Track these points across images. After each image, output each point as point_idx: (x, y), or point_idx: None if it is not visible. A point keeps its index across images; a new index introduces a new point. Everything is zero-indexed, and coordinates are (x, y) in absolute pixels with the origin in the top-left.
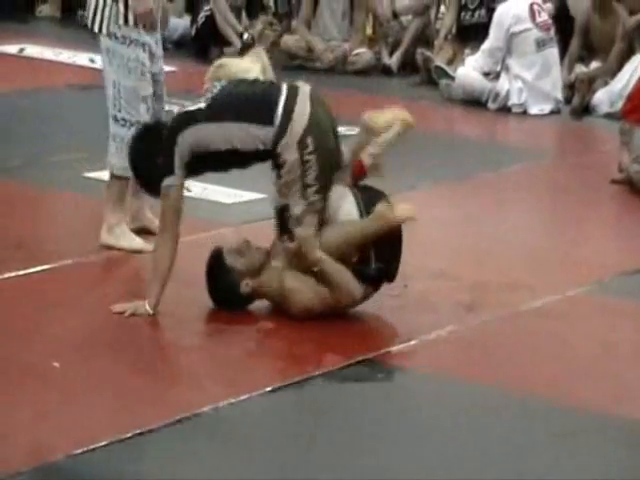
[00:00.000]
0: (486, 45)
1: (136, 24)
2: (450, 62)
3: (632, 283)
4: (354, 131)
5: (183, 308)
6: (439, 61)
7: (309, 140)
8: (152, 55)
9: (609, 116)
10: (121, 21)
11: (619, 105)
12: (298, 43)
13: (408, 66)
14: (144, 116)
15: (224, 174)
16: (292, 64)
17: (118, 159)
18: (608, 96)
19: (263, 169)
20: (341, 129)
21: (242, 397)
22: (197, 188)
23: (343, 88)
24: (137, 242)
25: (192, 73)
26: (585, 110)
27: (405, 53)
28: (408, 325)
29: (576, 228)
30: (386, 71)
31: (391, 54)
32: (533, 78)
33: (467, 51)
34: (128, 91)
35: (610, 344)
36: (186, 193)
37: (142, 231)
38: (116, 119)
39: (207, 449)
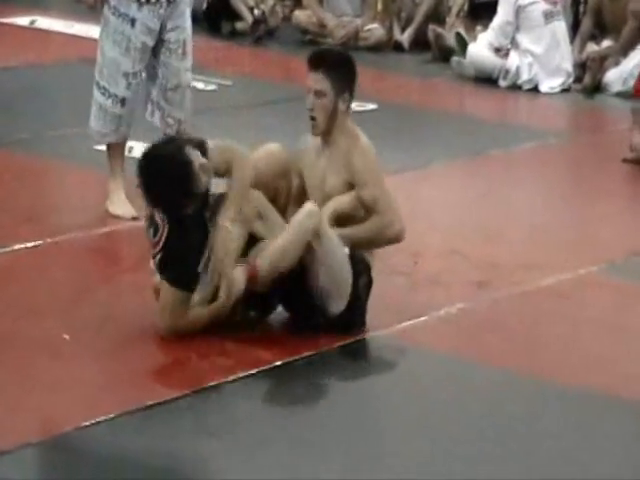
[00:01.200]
0: (496, 21)
1: None
2: None
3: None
4: (365, 107)
5: None
6: (451, 38)
7: None
8: (150, 30)
9: (621, 95)
10: None
11: (631, 84)
12: (309, 19)
13: (420, 43)
14: (123, 91)
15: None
16: (303, 39)
17: (96, 124)
18: (620, 75)
19: (273, 143)
20: (352, 105)
21: (250, 371)
22: None
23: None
24: (129, 210)
25: (203, 48)
26: (597, 89)
27: (417, 30)
28: (417, 302)
29: (587, 207)
30: (398, 47)
31: (403, 30)
32: (542, 51)
33: (479, 28)
34: (111, 62)
35: (620, 326)
36: None
37: None
38: (98, 85)
39: (216, 424)
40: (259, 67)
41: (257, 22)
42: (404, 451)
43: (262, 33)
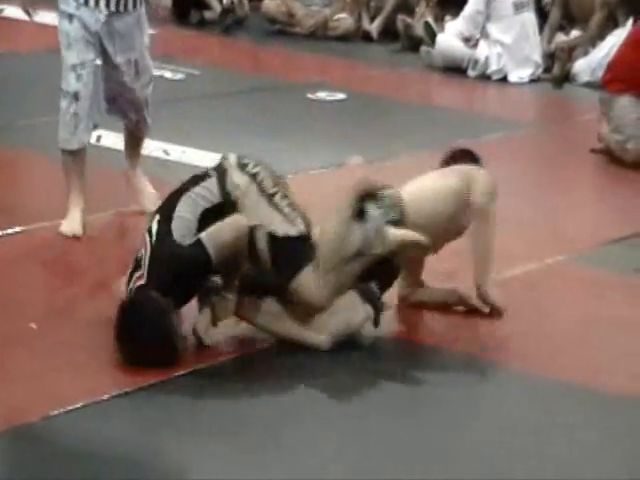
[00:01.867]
0: (466, 10)
1: None
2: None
3: (610, 253)
4: (334, 96)
5: None
6: (420, 28)
7: None
8: (87, 28)
9: (589, 85)
10: None
11: (599, 74)
12: (278, 8)
13: (389, 33)
14: (74, 85)
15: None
16: (272, 29)
17: (59, 131)
18: (588, 65)
19: (242, 133)
20: (321, 94)
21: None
22: (175, 151)
23: (323, 54)
24: (76, 228)
25: (171, 37)
26: (565, 79)
27: (386, 19)
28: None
29: (555, 197)
30: (366, 37)
31: (372, 20)
32: (512, 42)
33: (448, 18)
34: (62, 61)
35: (587, 314)
36: (164, 156)
37: None
38: (61, 89)
39: (182, 414)
40: (228, 57)
41: (226, 11)
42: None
43: (231, 22)
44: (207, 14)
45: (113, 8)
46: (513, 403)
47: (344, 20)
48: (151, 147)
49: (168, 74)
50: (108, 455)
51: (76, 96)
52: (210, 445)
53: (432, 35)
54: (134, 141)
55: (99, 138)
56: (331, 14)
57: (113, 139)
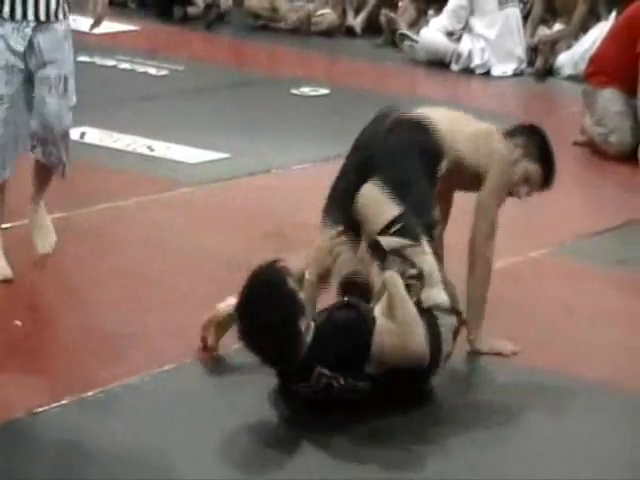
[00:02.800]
0: (450, 5)
1: None
2: (414, 23)
3: (593, 245)
4: (317, 91)
5: (152, 266)
6: (403, 22)
7: None
8: (14, 51)
9: (572, 78)
10: None
11: (582, 67)
12: (261, 3)
13: (372, 27)
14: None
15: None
16: (255, 24)
17: None
18: (571, 58)
19: (226, 128)
20: (305, 89)
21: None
22: (160, 147)
23: (306, 49)
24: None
25: (154, 33)
26: (548, 72)
27: (369, 14)
28: None
29: None
30: (350, 32)
31: (355, 15)
32: (495, 37)
33: (431, 12)
34: None
35: (570, 306)
36: (149, 152)
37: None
38: None
39: (169, 410)
40: (211, 52)
41: (209, 7)
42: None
43: (214, 18)
44: (190, 10)
45: (43, 17)
46: (497, 391)
47: (327, 15)
48: (136, 144)
49: (152, 70)
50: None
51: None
52: (197, 436)
53: (410, 41)
54: (43, 174)
55: (83, 135)
56: (314, 9)
57: (98, 135)
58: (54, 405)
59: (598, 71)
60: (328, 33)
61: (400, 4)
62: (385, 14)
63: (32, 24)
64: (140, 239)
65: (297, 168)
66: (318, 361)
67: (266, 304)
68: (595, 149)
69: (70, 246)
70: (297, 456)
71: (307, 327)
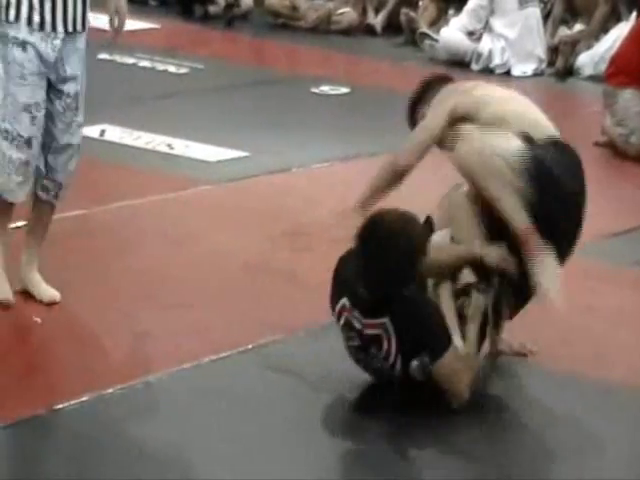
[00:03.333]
0: (470, 4)
1: (17, 19)
2: (434, 23)
3: (611, 246)
4: (337, 90)
5: (171, 264)
6: (423, 22)
7: None
8: (44, 60)
9: (592, 78)
10: (3, 17)
11: (602, 67)
12: (282, 2)
13: (392, 26)
14: (28, 129)
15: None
16: (276, 23)
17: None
18: (592, 58)
19: (246, 127)
20: (325, 88)
21: (223, 353)
22: (179, 145)
23: (327, 47)
24: (4, 291)
25: (175, 31)
26: (569, 72)
27: (390, 13)
28: None
29: None
30: (370, 31)
31: (376, 14)
32: (516, 37)
33: (451, 12)
34: (7, 96)
35: (589, 306)
36: (168, 150)
37: (24, 293)
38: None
39: (187, 407)
40: (231, 50)
41: (230, 5)
42: None
43: (234, 16)
44: (211, 8)
45: (70, 27)
46: (516, 394)
47: (347, 14)
48: (155, 141)
49: (172, 68)
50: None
51: (29, 142)
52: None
53: (430, 40)
54: (45, 213)
55: (103, 132)
56: (334, 8)
57: (118, 133)
58: (73, 402)
59: (618, 71)
60: (348, 32)
61: (420, 3)
62: (405, 13)
63: (61, 35)
64: (158, 237)
65: (317, 167)
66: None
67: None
68: (616, 150)
69: (88, 244)
70: (315, 454)
71: None
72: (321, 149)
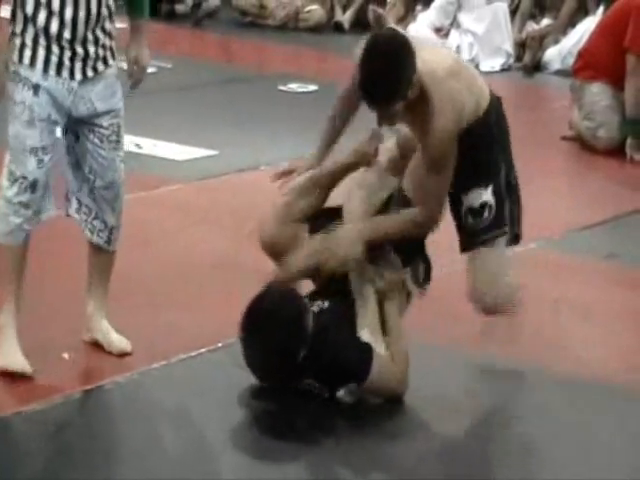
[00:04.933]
0: (438, 1)
1: (32, 64)
2: (402, 19)
3: (581, 239)
4: (305, 88)
5: (140, 264)
6: (391, 18)
7: None
8: (57, 104)
9: (560, 73)
10: (15, 58)
11: (570, 62)
12: (249, 0)
13: (360, 23)
14: (34, 172)
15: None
16: (243, 21)
17: None
18: (559, 53)
19: (214, 125)
20: (293, 86)
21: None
22: (147, 144)
23: (294, 45)
24: (20, 362)
25: None
26: (536, 67)
27: (357, 10)
28: None
29: (526, 184)
30: (338, 28)
31: (344, 11)
32: (483, 32)
33: (419, 8)
34: (13, 138)
35: (558, 300)
36: (137, 149)
37: (95, 345)
38: (7, 168)
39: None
40: (199, 49)
41: (197, 4)
42: None
43: (202, 15)
44: (178, 7)
45: (90, 73)
46: (485, 388)
47: (315, 11)
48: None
49: None
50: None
51: (34, 186)
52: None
53: None
54: (105, 262)
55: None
56: (302, 5)
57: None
58: (42, 403)
59: (586, 66)
60: (316, 29)
61: (388, 0)
62: (373, 10)
63: (77, 82)
64: (127, 237)
65: (285, 164)
66: (310, 373)
67: (272, 328)
68: (583, 143)
69: (56, 245)
70: (286, 450)
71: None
72: (290, 147)
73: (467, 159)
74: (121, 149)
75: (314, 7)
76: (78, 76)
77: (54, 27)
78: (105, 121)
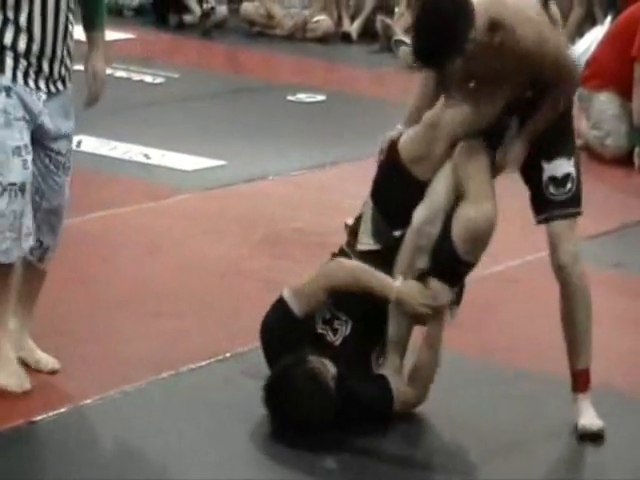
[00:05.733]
0: None
1: (1, 70)
2: (410, 29)
3: (588, 248)
4: (314, 98)
5: (149, 273)
6: (399, 28)
7: None
8: (27, 108)
9: None
10: None
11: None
12: (257, 10)
13: (368, 33)
14: (20, 174)
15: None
16: (251, 31)
17: None
18: None
19: (222, 135)
20: (301, 96)
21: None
22: (156, 155)
23: (302, 55)
24: (21, 379)
25: (151, 41)
26: None
27: (365, 20)
28: None
29: None
30: (346, 38)
31: (352, 21)
32: None
33: None
34: None
35: None
36: (145, 160)
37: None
38: None
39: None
40: (207, 59)
41: (205, 14)
42: None
43: (210, 25)
44: (186, 17)
45: (53, 87)
46: (498, 396)
47: (323, 21)
48: (132, 151)
49: (148, 78)
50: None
51: (23, 189)
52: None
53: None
54: (36, 281)
55: (79, 143)
56: (310, 15)
57: (94, 144)
58: (51, 414)
59: (594, 75)
60: (324, 39)
61: (396, 10)
62: (381, 20)
63: (44, 95)
64: (137, 246)
65: (294, 174)
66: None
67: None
68: (591, 153)
69: (66, 254)
70: (296, 460)
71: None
72: (298, 156)
73: (556, 123)
74: (70, 172)
75: (322, 17)
76: (43, 89)
77: (22, 43)
78: (63, 147)
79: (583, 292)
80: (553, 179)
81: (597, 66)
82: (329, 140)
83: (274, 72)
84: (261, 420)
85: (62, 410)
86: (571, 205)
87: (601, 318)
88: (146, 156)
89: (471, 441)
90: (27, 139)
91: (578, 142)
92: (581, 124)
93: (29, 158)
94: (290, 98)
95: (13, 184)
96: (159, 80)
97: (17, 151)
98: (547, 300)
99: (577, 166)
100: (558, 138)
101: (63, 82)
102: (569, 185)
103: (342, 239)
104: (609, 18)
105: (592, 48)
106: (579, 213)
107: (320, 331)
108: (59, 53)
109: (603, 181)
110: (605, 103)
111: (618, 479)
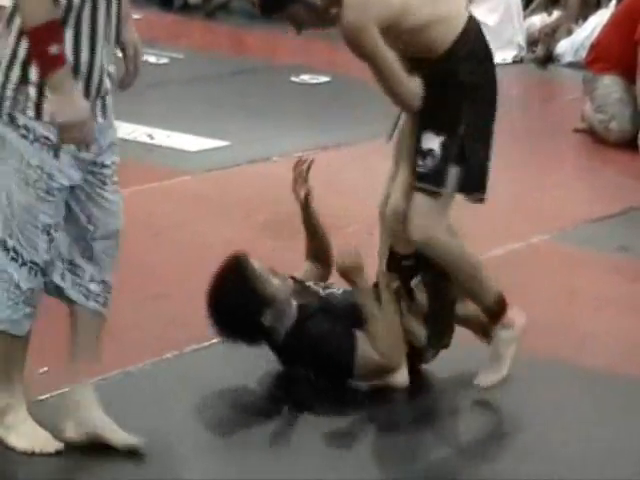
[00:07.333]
0: None
1: (38, 117)
2: None
3: (593, 231)
4: (318, 79)
5: (152, 255)
6: None
7: None
8: (80, 161)
9: (572, 65)
10: (30, 112)
11: (582, 54)
12: None
13: None
14: (45, 254)
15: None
16: (256, 12)
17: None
18: (571, 45)
19: (226, 116)
20: (305, 77)
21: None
22: (160, 135)
23: (307, 36)
24: (44, 440)
25: (155, 22)
26: (549, 59)
27: None
28: (370, 273)
29: (538, 176)
30: None
31: None
32: (496, 23)
33: None
34: (22, 210)
35: (571, 292)
36: (149, 140)
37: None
38: (5, 246)
39: (169, 397)
40: (211, 40)
41: None
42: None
43: (214, 6)
44: None
45: (101, 119)
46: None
47: None
48: (136, 132)
49: (152, 59)
50: None
51: (45, 270)
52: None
53: None
54: (94, 327)
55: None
56: None
57: None
58: (54, 393)
59: (598, 58)
60: None
61: None
62: None
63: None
64: (140, 227)
65: (297, 156)
66: (297, 358)
67: (228, 291)
68: (595, 136)
69: None
70: (297, 442)
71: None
72: (302, 138)
73: (430, 94)
74: (119, 192)
75: None
76: (99, 115)
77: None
78: (107, 158)
79: (447, 263)
80: (420, 150)
81: (601, 49)
82: (333, 122)
83: (278, 53)
84: (266, 399)
85: (64, 390)
86: (429, 182)
87: (606, 301)
88: (150, 136)
89: None
90: (61, 215)
91: (582, 125)
92: (586, 107)
93: (56, 236)
94: (294, 79)
95: (35, 264)
96: (163, 61)
97: (46, 229)
98: (551, 282)
99: (447, 146)
100: (430, 109)
101: (106, 91)
102: (429, 161)
103: (345, 220)
104: (614, 1)
105: (597, 31)
106: (438, 193)
107: (309, 284)
108: (105, 66)
109: (607, 164)
110: (609, 86)
111: (620, 464)
